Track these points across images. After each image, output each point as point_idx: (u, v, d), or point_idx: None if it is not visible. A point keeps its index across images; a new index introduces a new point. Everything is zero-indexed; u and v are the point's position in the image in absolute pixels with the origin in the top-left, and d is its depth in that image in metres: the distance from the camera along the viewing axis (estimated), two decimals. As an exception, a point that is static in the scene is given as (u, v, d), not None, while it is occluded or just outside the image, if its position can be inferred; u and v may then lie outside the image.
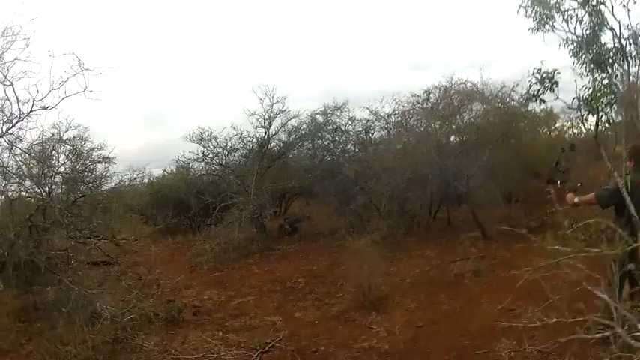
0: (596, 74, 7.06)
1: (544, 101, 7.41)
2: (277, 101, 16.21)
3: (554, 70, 7.27)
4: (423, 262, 11.97)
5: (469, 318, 8.53)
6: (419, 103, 15.96)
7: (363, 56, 38.76)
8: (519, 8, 7.54)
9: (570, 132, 20.47)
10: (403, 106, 16.17)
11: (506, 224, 12.54)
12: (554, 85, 7.24)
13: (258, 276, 12.54)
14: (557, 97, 7.32)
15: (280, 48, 37.94)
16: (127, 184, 16.90)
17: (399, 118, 16.47)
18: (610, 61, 7.30)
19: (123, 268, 12.75)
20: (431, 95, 15.60)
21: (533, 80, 7.27)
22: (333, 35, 41.69)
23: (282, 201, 18.99)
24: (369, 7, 41.49)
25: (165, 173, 19.78)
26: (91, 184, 14.95)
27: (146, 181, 18.82)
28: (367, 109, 16.80)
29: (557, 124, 19.60)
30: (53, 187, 11.99)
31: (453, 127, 15.40)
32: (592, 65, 7.47)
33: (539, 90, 7.27)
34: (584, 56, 7.83)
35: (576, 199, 7.02)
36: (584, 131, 20.24)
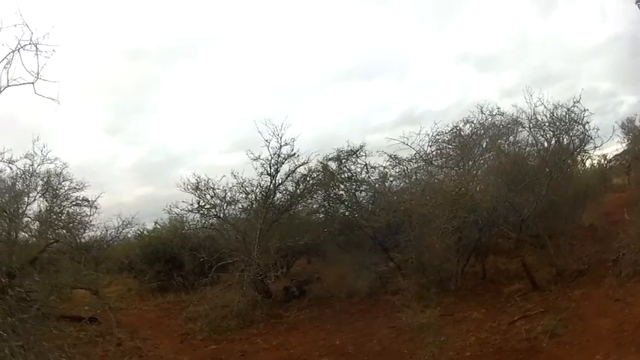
0: None
1: None
2: (286, 143, 13.50)
3: None
4: (475, 327, 9.34)
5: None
6: (445, 142, 13.64)
7: (354, 107, 36.09)
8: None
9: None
10: (429, 146, 13.66)
11: (554, 270, 11.09)
12: None
13: (267, 353, 9.78)
14: None
15: (274, 91, 35.00)
16: (113, 234, 15.73)
17: (424, 161, 13.76)
18: None
19: (103, 328, 11.02)
20: (462, 129, 13.36)
21: None
22: (327, 84, 38.86)
23: (286, 260, 16.34)
24: (360, 55, 38.70)
25: (158, 225, 17.17)
26: (69, 227, 13.09)
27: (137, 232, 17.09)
28: (385, 153, 14.03)
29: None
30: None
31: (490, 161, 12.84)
32: None
33: None
34: None
35: None
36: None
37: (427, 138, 13.30)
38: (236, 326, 11.47)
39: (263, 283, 13.15)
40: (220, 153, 31.73)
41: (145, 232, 17.10)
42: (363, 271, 13.37)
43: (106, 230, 15.17)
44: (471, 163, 12.47)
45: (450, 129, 13.64)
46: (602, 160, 18.90)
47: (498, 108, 13.18)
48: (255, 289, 12.78)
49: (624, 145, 16.45)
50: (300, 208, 15.12)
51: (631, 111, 13.32)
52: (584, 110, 11.63)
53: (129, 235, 16.68)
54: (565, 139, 11.96)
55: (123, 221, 15.57)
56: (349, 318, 11.43)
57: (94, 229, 14.58)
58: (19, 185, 11.38)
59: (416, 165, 14.15)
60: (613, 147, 14.85)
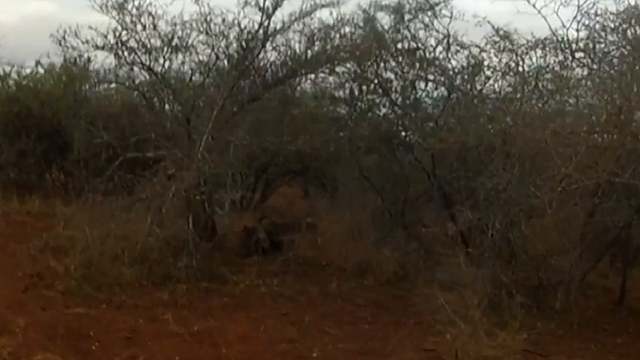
0: None
1: None
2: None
3: None
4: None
5: None
6: (606, 29, 12.25)
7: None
8: None
9: None
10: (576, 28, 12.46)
11: None
12: None
13: (176, 344, 8.80)
14: None
15: None
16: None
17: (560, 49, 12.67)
18: None
19: None
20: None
21: None
22: None
23: (261, 180, 16.29)
24: None
25: (40, 68, 16.50)
26: None
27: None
28: (488, 22, 13.04)
29: None
30: None
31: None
32: None
33: None
34: None
35: None
36: None
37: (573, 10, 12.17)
38: (134, 279, 10.80)
39: (205, 212, 12.60)
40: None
41: (13, 78, 16.50)
42: (398, 232, 12.87)
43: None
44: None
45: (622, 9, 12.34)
46: None
47: None
48: (189, 218, 12.21)
49: None
50: (306, 88, 14.63)
51: None
52: None
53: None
54: None
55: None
56: (350, 313, 10.80)
57: None
58: None
59: (540, 58, 13.14)
60: None
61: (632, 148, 9.93)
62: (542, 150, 10.49)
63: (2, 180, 15.13)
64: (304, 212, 15.41)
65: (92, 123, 14.22)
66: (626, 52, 12.00)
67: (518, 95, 12.99)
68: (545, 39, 12.63)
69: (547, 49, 12.79)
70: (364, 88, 14.25)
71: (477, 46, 13.52)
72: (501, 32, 13.11)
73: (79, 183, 14.40)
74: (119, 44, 13.40)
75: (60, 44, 13.85)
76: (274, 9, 12.86)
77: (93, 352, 8.25)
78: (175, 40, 13.46)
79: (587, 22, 12.24)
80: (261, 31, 13.01)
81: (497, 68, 13.59)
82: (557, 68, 12.86)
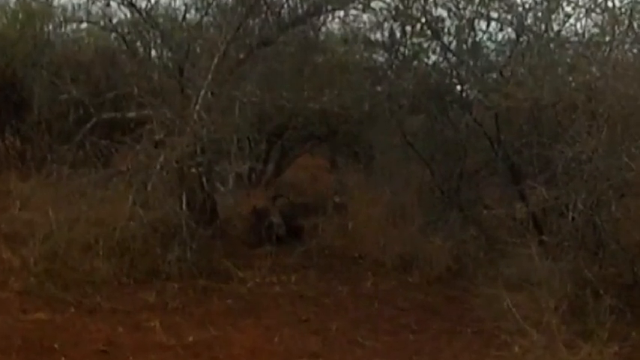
0: None
1: None
2: None
3: None
4: None
5: None
6: None
7: None
8: None
9: None
10: None
11: None
12: None
13: (164, 359, 8.82)
14: None
15: None
16: None
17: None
18: None
19: None
20: None
21: None
22: None
23: (275, 147, 16.56)
24: None
25: None
26: None
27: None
28: None
29: None
30: None
31: None
32: None
33: None
34: None
35: None
36: None
37: None
38: (112, 276, 10.78)
39: (203, 189, 12.62)
40: None
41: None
42: (452, 215, 12.97)
43: None
44: None
45: None
46: None
47: None
48: (182, 196, 12.18)
49: None
50: (333, 29, 14.69)
51: None
52: None
53: None
54: None
55: None
56: (389, 319, 10.72)
57: None
58: None
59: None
60: None
61: None
62: (638, 109, 10.48)
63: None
64: (331, 189, 15.50)
65: (57, 74, 14.30)
66: None
67: (607, 38, 12.97)
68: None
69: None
70: (408, 28, 14.15)
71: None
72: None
73: (40, 151, 14.54)
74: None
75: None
76: None
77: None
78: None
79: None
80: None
81: (580, 3, 13.44)
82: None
